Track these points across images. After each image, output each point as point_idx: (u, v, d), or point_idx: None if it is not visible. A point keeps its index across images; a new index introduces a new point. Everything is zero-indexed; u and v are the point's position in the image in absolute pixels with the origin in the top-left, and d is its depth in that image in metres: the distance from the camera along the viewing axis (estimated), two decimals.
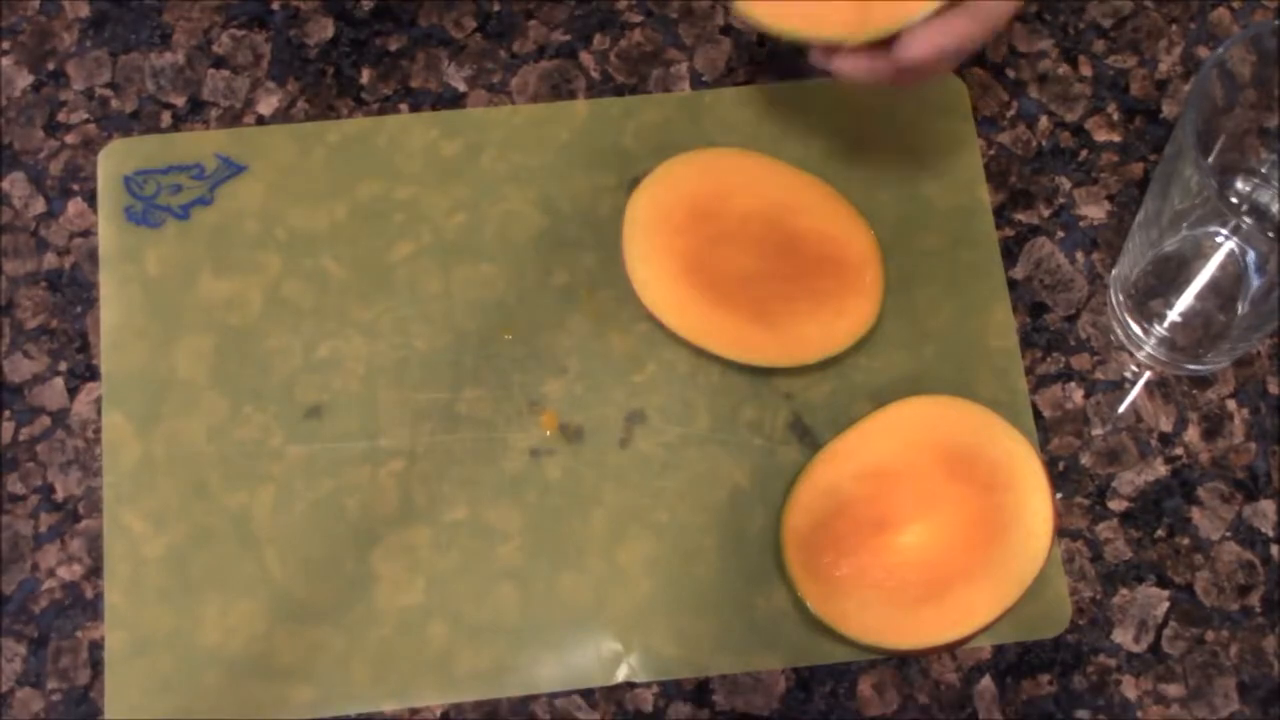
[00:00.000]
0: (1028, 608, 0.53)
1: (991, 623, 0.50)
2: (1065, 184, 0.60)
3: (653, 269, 0.55)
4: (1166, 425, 0.57)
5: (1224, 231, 0.51)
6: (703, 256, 0.55)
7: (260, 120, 0.60)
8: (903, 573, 0.51)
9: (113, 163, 0.59)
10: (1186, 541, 0.55)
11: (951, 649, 0.52)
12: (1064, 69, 0.62)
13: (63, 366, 0.57)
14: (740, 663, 0.53)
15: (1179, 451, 0.56)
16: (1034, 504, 0.51)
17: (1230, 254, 0.52)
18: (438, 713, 0.53)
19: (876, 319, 0.56)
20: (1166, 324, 0.55)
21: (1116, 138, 0.60)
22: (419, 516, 0.54)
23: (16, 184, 0.59)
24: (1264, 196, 0.54)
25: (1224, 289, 0.53)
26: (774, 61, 0.62)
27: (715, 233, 0.55)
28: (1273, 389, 0.57)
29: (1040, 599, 0.54)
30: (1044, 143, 0.60)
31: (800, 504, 0.52)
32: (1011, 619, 0.53)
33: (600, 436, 0.55)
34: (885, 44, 0.48)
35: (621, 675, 0.53)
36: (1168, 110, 0.61)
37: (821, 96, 0.60)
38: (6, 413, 0.56)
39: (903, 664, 0.54)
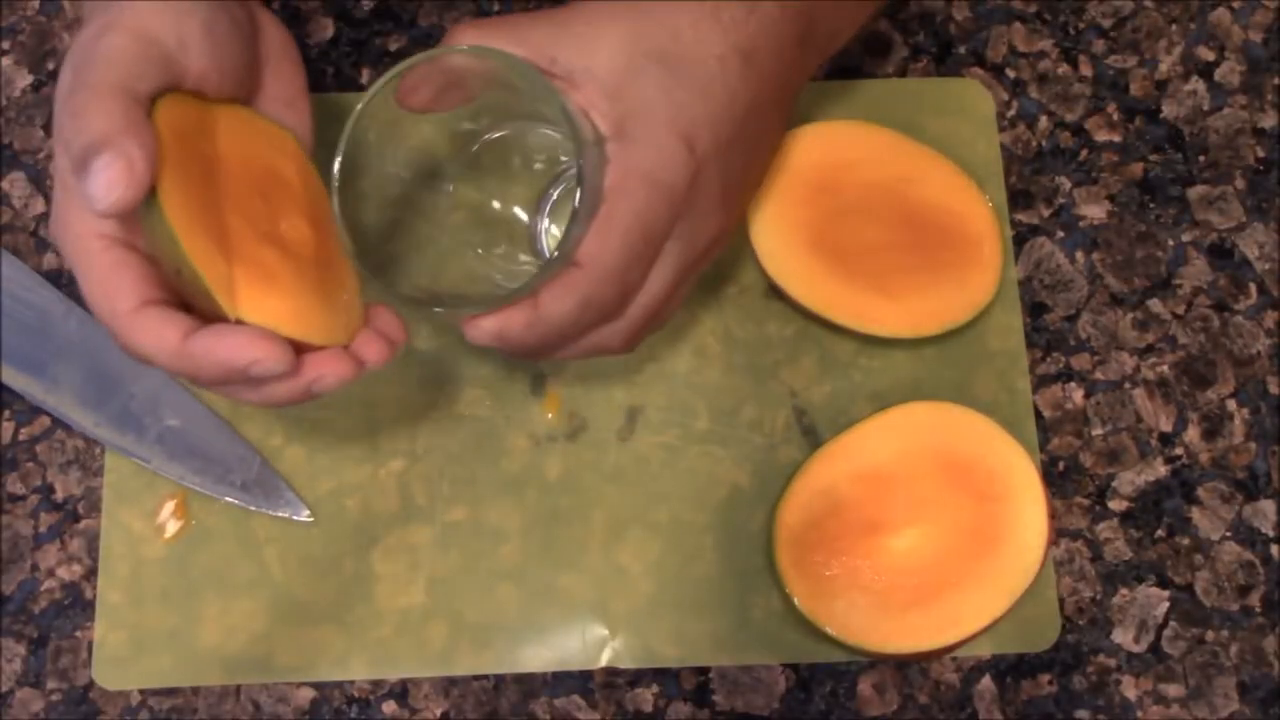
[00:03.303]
0: (1016, 620, 0.53)
1: (978, 632, 0.50)
2: (1065, 184, 0.60)
3: (778, 240, 0.55)
4: (1166, 425, 0.57)
5: None
6: (826, 228, 0.55)
7: None
8: (892, 576, 0.51)
9: None
10: (1186, 541, 0.55)
11: (936, 657, 0.52)
12: (1064, 69, 0.61)
13: None
14: (737, 660, 0.53)
15: (1179, 451, 0.56)
16: (1029, 516, 0.51)
17: None
18: (438, 713, 0.53)
19: (996, 291, 0.56)
20: None
21: (1116, 138, 0.61)
22: (419, 516, 0.54)
23: (16, 184, 0.59)
24: None
25: None
26: None
27: (837, 205, 0.56)
28: (1273, 389, 0.57)
29: (1030, 612, 0.53)
30: (1044, 143, 0.60)
31: (795, 501, 0.52)
32: (1000, 630, 0.52)
33: (601, 435, 0.55)
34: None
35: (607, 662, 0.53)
36: (1168, 110, 0.61)
37: (824, 97, 0.60)
38: (6, 413, 0.56)
39: (903, 665, 0.54)
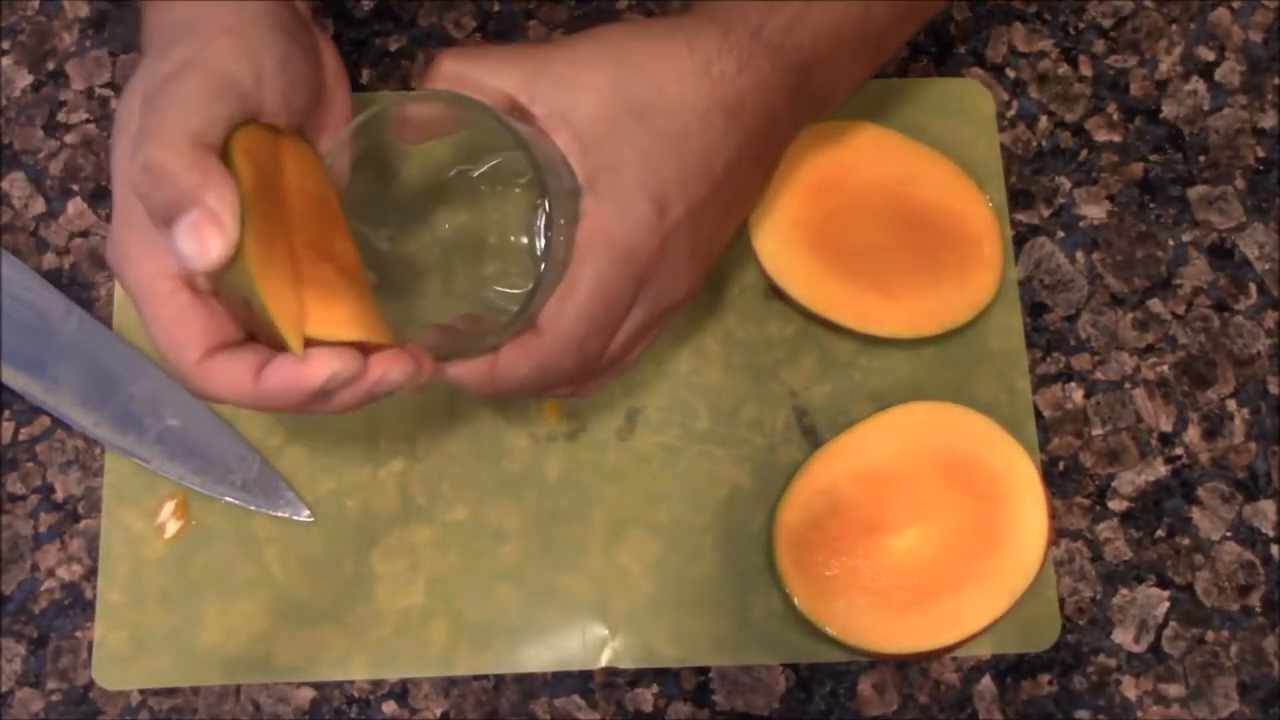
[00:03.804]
0: (1017, 620, 0.53)
1: (978, 632, 0.50)
2: (1065, 184, 0.60)
3: (779, 241, 0.55)
4: (1166, 425, 0.57)
5: None
6: (826, 228, 0.55)
7: None
8: (892, 576, 0.51)
9: None
10: (1186, 541, 0.55)
11: (936, 656, 0.52)
12: (1064, 69, 0.62)
13: None
14: (737, 660, 0.53)
15: (1179, 451, 0.56)
16: (1029, 517, 0.51)
17: None
18: (438, 713, 0.53)
19: (997, 291, 0.56)
20: None
21: (1116, 138, 0.61)
22: (419, 516, 0.54)
23: (16, 184, 0.59)
24: None
25: None
26: None
27: (838, 205, 0.56)
28: (1273, 389, 0.57)
29: (1030, 612, 0.53)
30: (1044, 143, 0.60)
31: (796, 501, 0.52)
32: (1000, 630, 0.52)
33: (600, 436, 0.55)
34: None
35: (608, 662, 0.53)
36: (1168, 110, 0.61)
37: None
38: (6, 413, 0.56)
39: (903, 665, 0.54)
